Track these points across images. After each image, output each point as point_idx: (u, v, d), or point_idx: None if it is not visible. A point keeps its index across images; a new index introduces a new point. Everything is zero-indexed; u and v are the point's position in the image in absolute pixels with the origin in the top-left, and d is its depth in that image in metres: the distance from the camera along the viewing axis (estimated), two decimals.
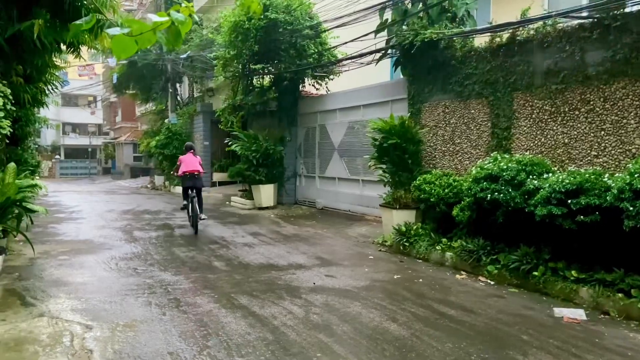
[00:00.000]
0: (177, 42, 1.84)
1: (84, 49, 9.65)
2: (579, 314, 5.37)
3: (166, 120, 23.74)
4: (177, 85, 24.80)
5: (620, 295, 5.36)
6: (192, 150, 10.95)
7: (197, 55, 19.88)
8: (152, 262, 7.72)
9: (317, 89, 14.61)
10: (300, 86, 14.81)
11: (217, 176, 21.40)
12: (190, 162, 10.62)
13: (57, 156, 48.36)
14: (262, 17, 12.62)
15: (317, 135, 14.29)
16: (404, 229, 8.60)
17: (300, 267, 7.49)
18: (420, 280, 6.87)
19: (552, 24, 7.18)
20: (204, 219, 10.65)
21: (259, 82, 15.28)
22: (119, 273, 7.03)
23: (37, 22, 6.99)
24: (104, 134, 50.41)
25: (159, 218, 13.21)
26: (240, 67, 14.33)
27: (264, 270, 7.28)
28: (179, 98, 25.31)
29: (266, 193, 14.38)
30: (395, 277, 7.05)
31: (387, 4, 10.21)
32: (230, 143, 14.61)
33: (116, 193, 22.73)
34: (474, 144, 8.75)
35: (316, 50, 13.24)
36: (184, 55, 20.19)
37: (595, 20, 6.68)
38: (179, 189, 20.76)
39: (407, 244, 8.37)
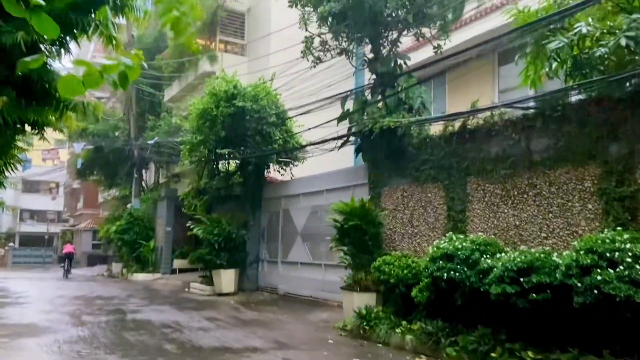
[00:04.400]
0: (124, 85, 1.94)
1: (49, 131, 9.69)
2: None
3: (128, 205, 23.43)
4: (143, 170, 24.81)
5: None
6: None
7: (165, 142, 20.17)
8: (98, 346, 7.26)
9: (281, 175, 14.88)
10: (265, 171, 15.07)
11: (178, 263, 20.80)
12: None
13: (11, 244, 46.29)
14: (229, 104, 13.11)
15: (281, 219, 14.33)
16: (364, 312, 8.45)
17: (256, 351, 7.18)
18: None
19: (498, 114, 7.73)
20: None
21: (224, 167, 15.49)
22: (60, 356, 6.58)
23: (2, 99, 7.06)
24: (64, 221, 48.99)
25: (112, 303, 12.59)
26: (206, 151, 14.58)
27: (217, 354, 6.94)
28: (143, 184, 25.21)
29: (227, 278, 14.01)
30: None
31: (348, 94, 10.82)
32: (192, 227, 14.44)
33: (70, 280, 21.69)
34: (431, 227, 8.94)
35: (281, 137, 13.68)
36: (152, 142, 20.44)
37: (538, 110, 7.24)
38: (138, 277, 20.12)
39: (367, 327, 8.19)
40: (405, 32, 10.20)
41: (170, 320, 9.80)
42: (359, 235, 9.49)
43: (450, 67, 10.86)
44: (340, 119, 10.99)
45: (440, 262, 6.94)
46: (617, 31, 5.93)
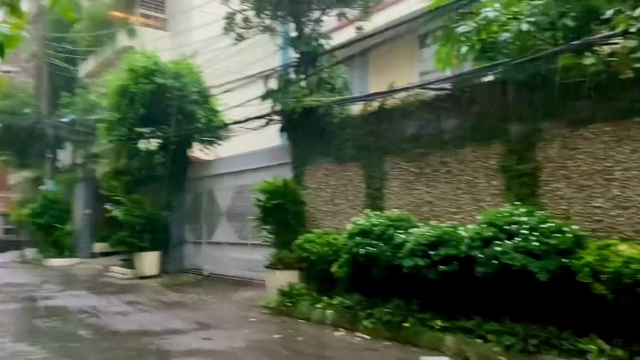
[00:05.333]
0: (1, 54, 1.82)
1: None
2: None
3: (42, 188, 22.01)
4: (58, 150, 23.33)
5: (479, 341, 5.71)
6: None
7: (81, 120, 19.06)
8: (3, 334, 6.87)
9: (206, 154, 14.57)
10: (189, 151, 14.68)
11: (99, 247, 19.99)
12: None
13: None
14: (149, 81, 12.60)
15: (206, 199, 14.09)
16: (287, 289, 8.58)
17: (176, 332, 7.10)
18: (300, 338, 6.82)
19: (414, 95, 7.99)
20: None
21: (145, 147, 14.91)
22: None
23: None
24: None
25: (24, 290, 11.91)
26: (125, 130, 13.96)
27: (134, 337, 6.79)
28: (59, 164, 23.73)
29: (149, 261, 13.65)
30: (275, 337, 6.94)
31: (271, 72, 10.72)
32: (111, 209, 13.87)
33: None
34: (351, 204, 9.16)
35: (205, 115, 13.36)
36: (66, 119, 19.24)
37: (449, 92, 7.56)
38: (55, 262, 19.06)
39: (289, 304, 8.32)
40: (328, 12, 10.21)
41: (87, 305, 9.43)
42: (282, 214, 9.56)
43: (373, 49, 11.04)
44: (263, 97, 10.88)
45: (358, 238, 7.16)
46: (520, 17, 6.29)
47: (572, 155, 6.09)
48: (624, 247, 4.96)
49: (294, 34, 10.59)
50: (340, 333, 7.08)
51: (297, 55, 10.52)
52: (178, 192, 14.67)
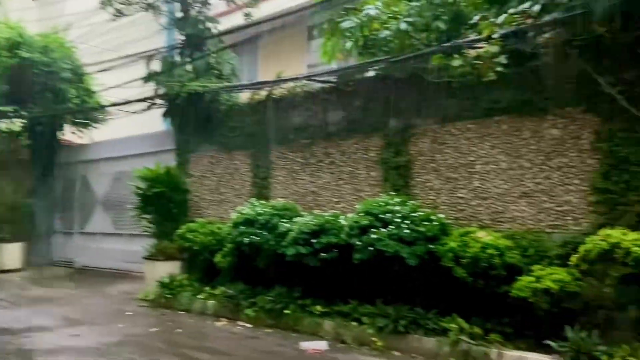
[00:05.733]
0: None
1: None
2: (322, 345, 5.81)
3: None
4: None
5: (354, 324, 5.98)
6: None
7: None
8: None
9: (80, 138, 13.46)
10: (59, 134, 13.45)
11: None
12: None
13: None
14: (12, 54, 11.32)
15: (78, 186, 13.06)
16: (167, 280, 8.28)
17: (41, 330, 6.53)
18: (179, 330, 6.64)
19: (301, 85, 8.10)
20: None
21: (7, 127, 13.41)
22: None
23: None
24: None
25: None
26: None
27: None
28: None
29: (11, 253, 12.33)
30: (151, 330, 6.67)
31: (155, 53, 10.19)
32: None
33: None
34: (237, 193, 9.08)
35: (78, 95, 12.32)
36: None
37: (334, 85, 7.77)
38: None
39: (169, 296, 8.04)
40: None
41: None
42: (164, 202, 9.19)
43: (262, 37, 10.95)
44: (145, 79, 10.30)
45: (242, 227, 7.12)
46: (399, 16, 6.63)
47: (440, 150, 6.60)
48: (482, 234, 5.49)
49: (179, 14, 10.14)
50: (222, 323, 7.00)
51: (183, 38, 10.11)
52: (46, 177, 13.40)
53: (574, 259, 4.85)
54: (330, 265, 6.36)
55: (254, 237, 6.94)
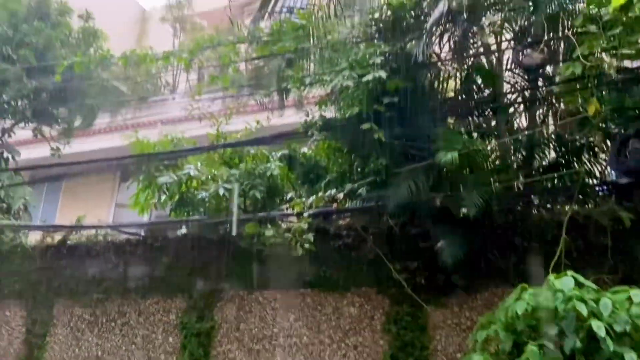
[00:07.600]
0: None
1: None
2: None
3: None
4: None
5: None
6: None
7: None
8: None
9: None
10: None
11: None
12: None
13: None
14: None
15: None
16: None
17: None
18: None
19: (103, 234, 7.45)
20: None
21: None
22: None
23: None
24: None
25: None
26: None
27: None
28: None
29: None
30: None
31: None
32: None
33: None
34: (3, 352, 7.46)
35: None
36: None
37: (142, 238, 7.32)
38: None
39: None
40: (22, 125, 9.12)
41: None
42: None
43: (69, 174, 10.12)
44: None
45: None
46: (219, 180, 6.78)
47: (246, 318, 6.41)
48: None
49: None
50: None
51: None
52: None
53: None
54: None
55: None
